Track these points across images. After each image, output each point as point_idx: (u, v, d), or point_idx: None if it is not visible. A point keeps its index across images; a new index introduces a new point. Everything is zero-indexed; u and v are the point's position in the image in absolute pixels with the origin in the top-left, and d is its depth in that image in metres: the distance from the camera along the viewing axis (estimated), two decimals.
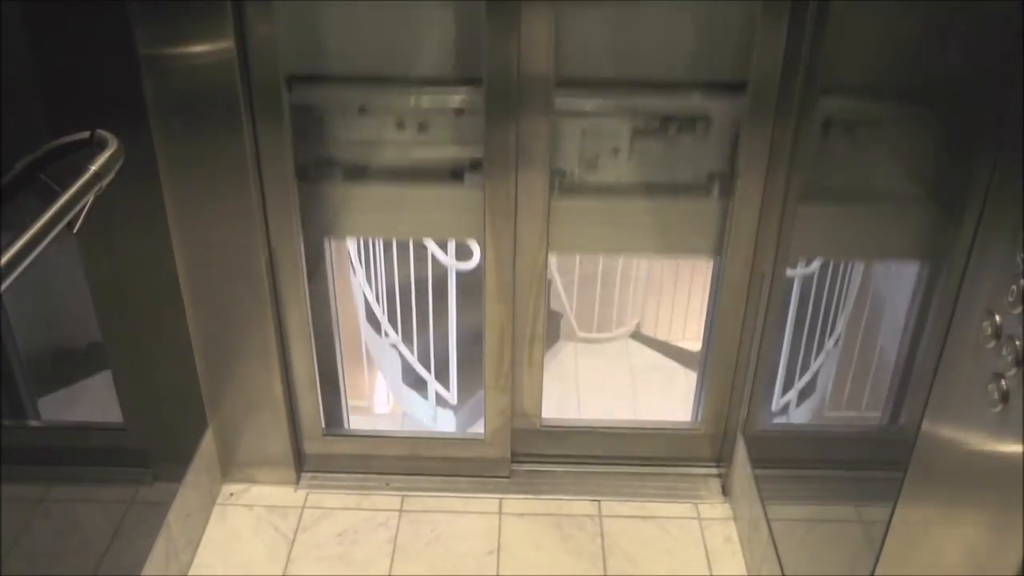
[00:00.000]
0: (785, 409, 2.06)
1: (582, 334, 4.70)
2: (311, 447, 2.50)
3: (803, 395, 1.96)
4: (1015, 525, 1.04)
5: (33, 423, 1.69)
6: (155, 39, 1.88)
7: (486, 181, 2.11)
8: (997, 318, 1.07)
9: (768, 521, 2.09)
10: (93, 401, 1.87)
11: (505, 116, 2.03)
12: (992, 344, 1.08)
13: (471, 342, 3.69)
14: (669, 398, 4.23)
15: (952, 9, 1.33)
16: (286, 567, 2.25)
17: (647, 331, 4.81)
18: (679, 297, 4.80)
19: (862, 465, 1.65)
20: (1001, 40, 1.16)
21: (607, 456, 2.55)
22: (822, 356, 1.87)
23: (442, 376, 3.94)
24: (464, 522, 2.38)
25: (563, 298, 4.64)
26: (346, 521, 2.38)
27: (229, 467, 2.47)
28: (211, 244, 2.11)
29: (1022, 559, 1.04)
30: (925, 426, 1.30)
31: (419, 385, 4.03)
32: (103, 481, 1.93)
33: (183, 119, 1.96)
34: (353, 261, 3.95)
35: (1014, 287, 1.04)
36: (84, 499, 1.85)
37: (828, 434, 1.88)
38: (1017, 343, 1.03)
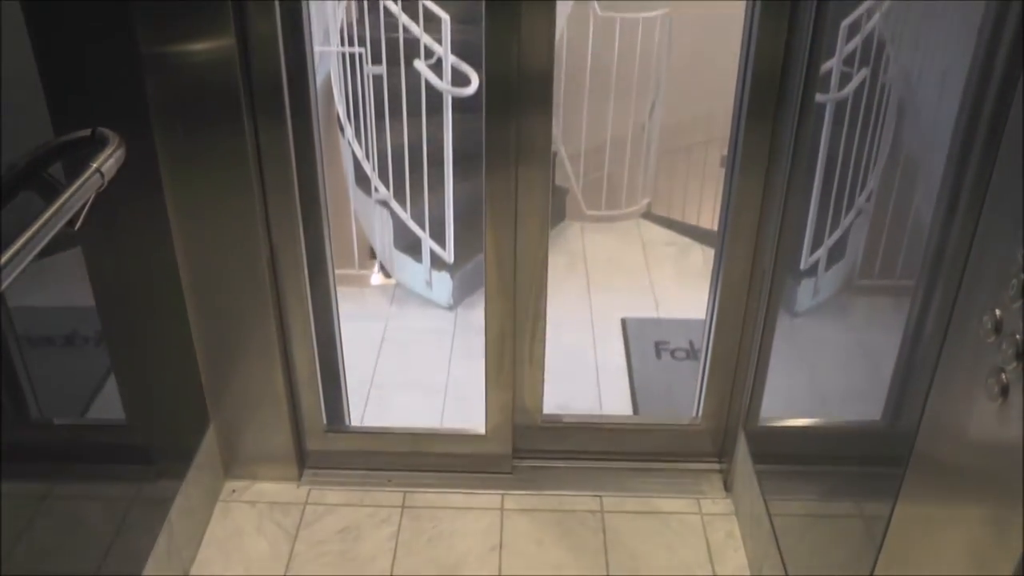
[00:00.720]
0: (814, 269, 1.93)
1: (590, 212, 4.50)
2: (313, 443, 2.50)
3: (833, 257, 1.84)
4: (1015, 519, 1.04)
5: (35, 420, 1.69)
6: (156, 37, 1.88)
7: (485, 176, 2.11)
8: (997, 313, 1.07)
9: (770, 516, 2.10)
10: (60, 279, 1.82)
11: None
12: (992, 339, 1.08)
13: (469, 204, 3.53)
14: (684, 271, 4.12)
15: (952, 8, 1.33)
16: (288, 564, 2.25)
17: (659, 212, 4.61)
18: (692, 177, 4.59)
19: (863, 460, 1.65)
20: (1001, 35, 1.16)
21: (608, 452, 2.56)
22: (853, 213, 1.74)
23: (438, 236, 3.76)
24: (466, 518, 2.38)
25: (569, 172, 4.45)
26: (348, 517, 2.39)
27: (231, 464, 2.47)
28: (212, 241, 2.12)
29: (1021, 554, 1.04)
30: (925, 421, 1.30)
31: (413, 249, 3.86)
32: (105, 478, 1.94)
33: (185, 117, 1.96)
34: (341, 118, 3.82)
35: (1014, 282, 1.04)
36: (87, 496, 1.85)
37: (829, 429, 1.88)
38: (1017, 337, 1.03)
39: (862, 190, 1.68)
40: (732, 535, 2.34)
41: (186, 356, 2.25)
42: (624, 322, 3.54)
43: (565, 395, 3.13)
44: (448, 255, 3.79)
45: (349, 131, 3.82)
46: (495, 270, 2.23)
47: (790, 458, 2.11)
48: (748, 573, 2.23)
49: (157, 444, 2.14)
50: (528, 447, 2.54)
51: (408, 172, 3.75)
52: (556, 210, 4.31)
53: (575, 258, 4.13)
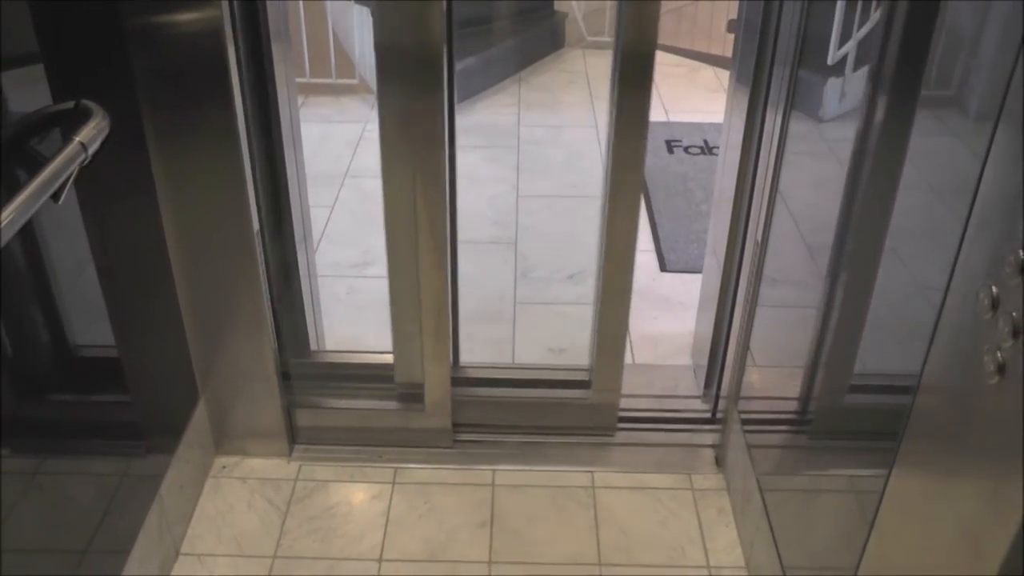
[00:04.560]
0: (840, 69, 1.73)
1: (591, 38, 4.39)
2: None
3: (861, 59, 1.65)
4: (1011, 497, 1.03)
5: (23, 394, 1.68)
6: (141, 7, 1.85)
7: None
8: (994, 289, 1.06)
9: (761, 492, 2.10)
10: None
11: None
12: (989, 315, 1.07)
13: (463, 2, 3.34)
14: (695, 84, 4.05)
15: None
16: (279, 539, 2.25)
17: (665, 42, 4.51)
18: (701, 8, 4.48)
19: (856, 435, 1.65)
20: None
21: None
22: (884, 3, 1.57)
23: None
24: (457, 494, 2.38)
25: None
26: (339, 493, 2.38)
27: (221, 439, 2.46)
28: (201, 214, 2.10)
29: (1016, 531, 1.03)
30: (920, 396, 1.29)
31: None
32: (96, 454, 1.92)
33: (171, 88, 1.94)
34: None
35: (1012, 258, 1.03)
36: (77, 472, 1.84)
37: (822, 404, 1.88)
38: (1014, 314, 1.02)
39: None
40: (723, 511, 2.34)
41: (175, 330, 2.23)
42: None
43: (564, 183, 3.10)
44: None
45: None
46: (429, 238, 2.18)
47: (782, 433, 2.10)
48: (739, 548, 2.23)
49: (147, 419, 2.13)
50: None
51: None
52: (554, 36, 4.08)
53: (577, 76, 3.98)
